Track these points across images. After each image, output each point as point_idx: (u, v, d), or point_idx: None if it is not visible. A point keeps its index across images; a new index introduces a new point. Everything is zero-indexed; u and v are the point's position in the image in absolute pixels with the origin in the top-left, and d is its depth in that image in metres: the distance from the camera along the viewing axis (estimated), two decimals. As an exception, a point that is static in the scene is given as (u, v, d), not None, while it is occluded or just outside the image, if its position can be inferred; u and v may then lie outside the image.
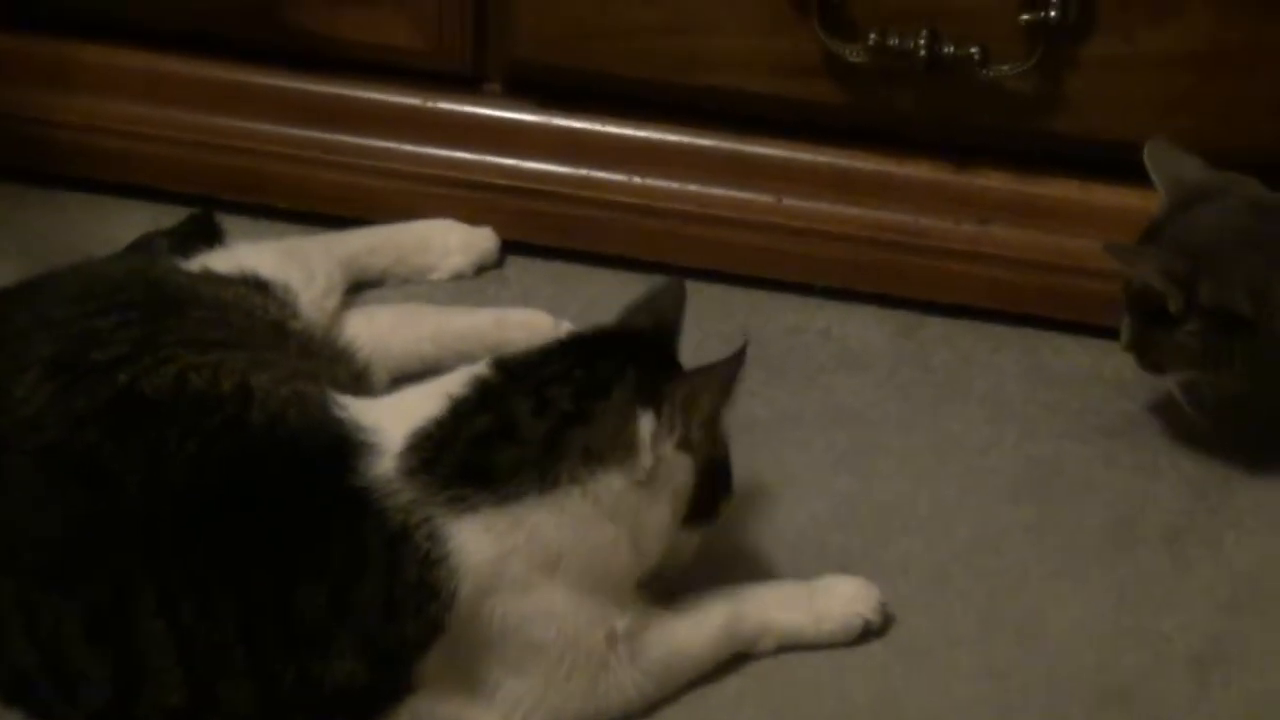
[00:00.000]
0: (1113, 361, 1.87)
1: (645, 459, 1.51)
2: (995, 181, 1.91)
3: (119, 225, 1.95)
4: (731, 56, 1.87)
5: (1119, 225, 1.83)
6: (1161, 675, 1.64)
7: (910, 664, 1.63)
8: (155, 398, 1.51)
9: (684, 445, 1.53)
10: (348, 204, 1.97)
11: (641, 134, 1.94)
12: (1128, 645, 1.66)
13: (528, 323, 1.85)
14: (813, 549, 1.71)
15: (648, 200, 1.95)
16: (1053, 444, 1.84)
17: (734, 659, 1.61)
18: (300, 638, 1.44)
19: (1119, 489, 1.80)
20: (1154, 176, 1.78)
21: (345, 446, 1.49)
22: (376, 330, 1.80)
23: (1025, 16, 1.79)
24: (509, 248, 1.98)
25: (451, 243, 1.96)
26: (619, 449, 1.50)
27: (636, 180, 1.95)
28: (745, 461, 1.62)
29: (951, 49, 1.80)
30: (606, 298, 1.93)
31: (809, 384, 1.88)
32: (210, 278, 1.71)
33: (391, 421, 1.51)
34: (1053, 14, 1.78)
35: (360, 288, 1.91)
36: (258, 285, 1.71)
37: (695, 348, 1.62)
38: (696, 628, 1.59)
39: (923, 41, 1.79)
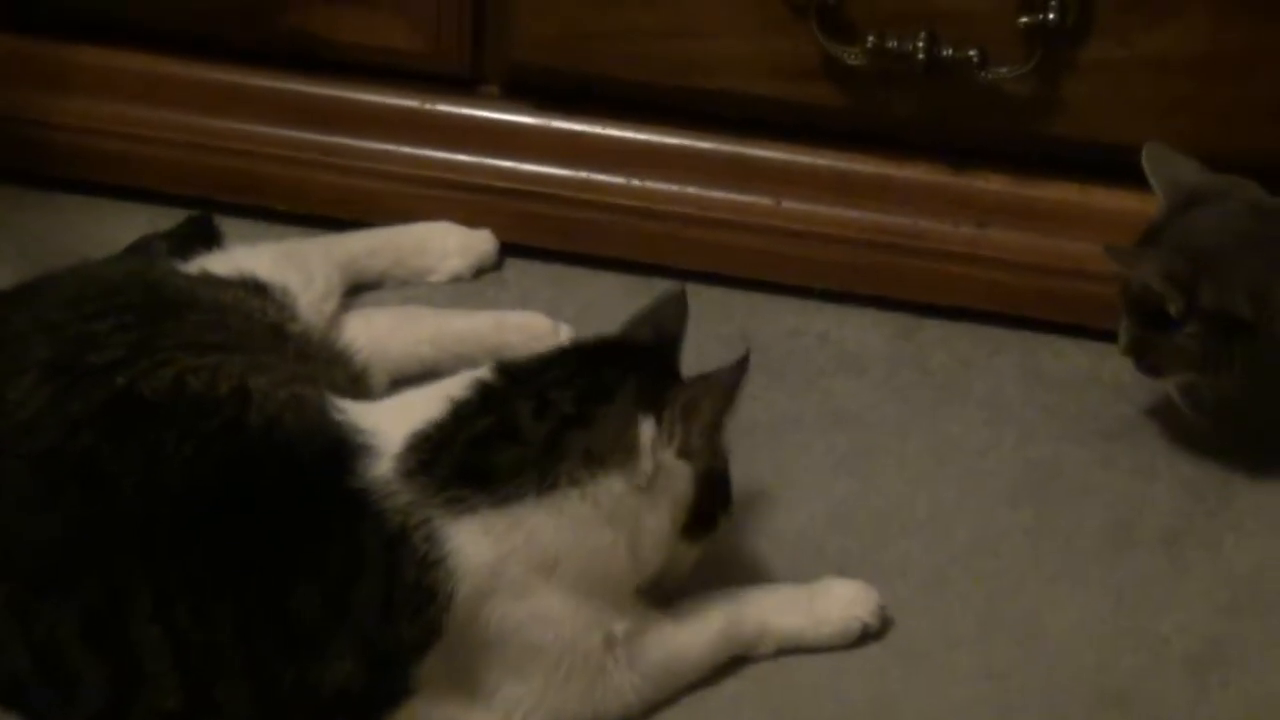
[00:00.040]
0: (1111, 364, 1.87)
1: (645, 464, 1.51)
2: (994, 184, 1.91)
3: (117, 227, 1.94)
4: (730, 59, 1.87)
5: (1117, 228, 1.83)
6: (1160, 677, 1.64)
7: (909, 666, 1.63)
8: (153, 400, 1.51)
9: (684, 453, 1.53)
10: (346, 206, 1.97)
11: (640, 136, 1.94)
12: (1126, 647, 1.66)
13: (526, 325, 1.85)
14: (811, 551, 1.71)
15: (647, 203, 1.95)
16: (1051, 446, 1.84)
17: (732, 661, 1.61)
18: (298, 640, 1.44)
19: (1117, 491, 1.80)
20: (1152, 180, 1.78)
21: (343, 449, 1.49)
22: (375, 333, 1.80)
23: (1024, 19, 1.79)
24: (508, 250, 1.98)
25: (450, 245, 1.96)
26: (619, 453, 1.50)
27: (635, 183, 1.94)
28: (744, 464, 1.63)
29: (950, 51, 1.80)
30: (605, 300, 1.94)
31: (808, 387, 1.88)
32: (208, 280, 1.71)
33: (390, 424, 1.51)
34: (1051, 17, 1.78)
35: (359, 290, 1.90)
36: (256, 288, 1.71)
37: (694, 350, 1.62)
38: (695, 631, 1.59)
39: (921, 44, 1.79)
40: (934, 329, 1.95)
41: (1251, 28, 1.79)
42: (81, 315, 1.58)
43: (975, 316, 1.95)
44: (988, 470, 1.81)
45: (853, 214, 1.93)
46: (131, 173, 1.99)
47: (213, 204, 1.98)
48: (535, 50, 1.90)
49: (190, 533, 1.45)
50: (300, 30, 1.93)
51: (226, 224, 1.97)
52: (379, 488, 1.47)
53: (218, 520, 1.45)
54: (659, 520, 1.53)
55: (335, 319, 1.80)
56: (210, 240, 1.91)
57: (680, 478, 1.53)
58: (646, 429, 1.51)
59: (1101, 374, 1.90)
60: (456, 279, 1.96)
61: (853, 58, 1.82)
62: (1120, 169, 1.83)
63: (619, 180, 1.94)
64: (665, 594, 1.59)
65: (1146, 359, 1.78)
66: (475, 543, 1.46)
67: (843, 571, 1.67)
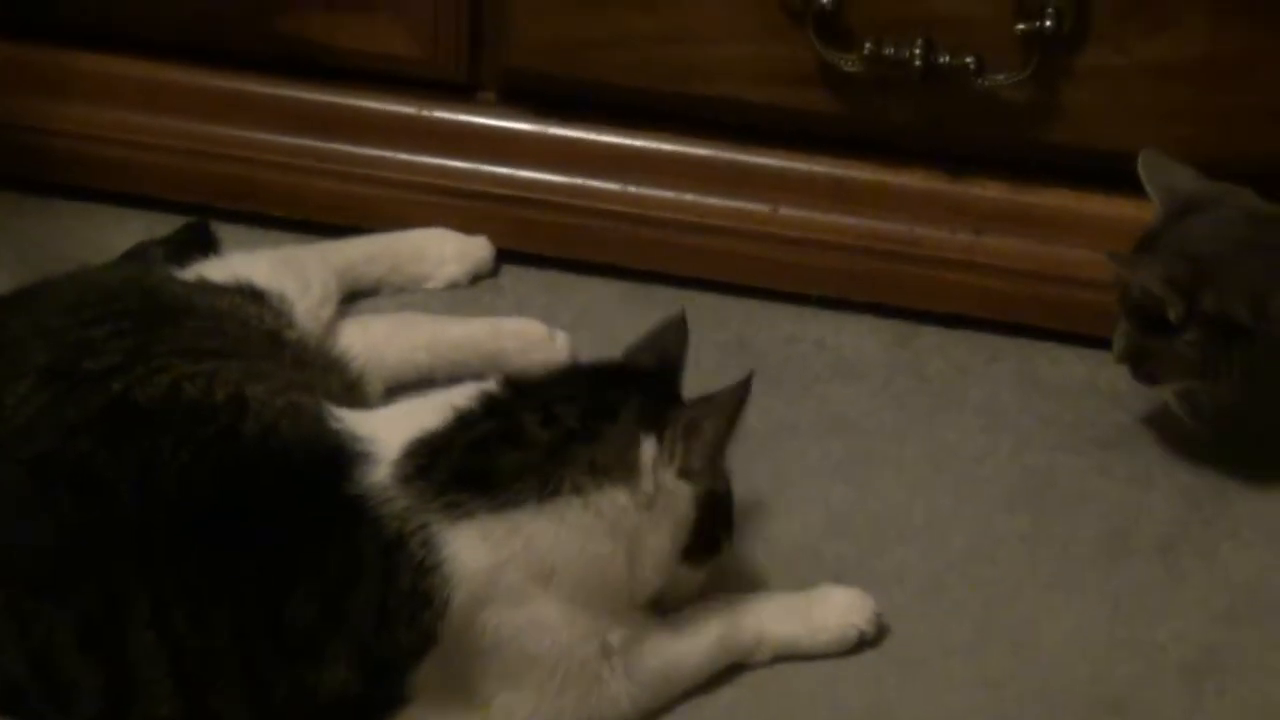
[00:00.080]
0: (1107, 372, 1.87)
1: (646, 483, 1.51)
2: (990, 191, 1.91)
3: (114, 234, 1.95)
4: (727, 66, 1.87)
5: (1114, 235, 1.83)
6: (1156, 685, 1.64)
7: (905, 674, 1.63)
8: (149, 407, 1.51)
9: (684, 473, 1.53)
10: (343, 213, 1.97)
11: (636, 143, 1.94)
12: (1122, 655, 1.66)
13: (522, 332, 1.85)
14: (808, 558, 1.71)
15: (643, 209, 1.95)
16: (1048, 454, 1.84)
17: (729, 669, 1.61)
18: (294, 646, 1.44)
19: (1114, 499, 1.80)
20: (1148, 186, 1.78)
21: (340, 455, 1.49)
22: (371, 339, 1.80)
23: (1021, 26, 1.79)
24: (504, 256, 1.98)
25: (446, 252, 1.96)
26: (622, 469, 1.50)
27: (631, 189, 1.95)
28: (741, 471, 1.63)
29: (947, 58, 1.80)
30: (601, 307, 1.94)
31: (804, 393, 1.88)
32: (205, 287, 1.71)
33: (388, 431, 1.51)
34: (1048, 24, 1.78)
35: (355, 297, 1.90)
36: (253, 294, 1.71)
37: (691, 357, 1.62)
38: (692, 640, 1.59)
39: (918, 51, 1.80)
40: (930, 336, 1.95)
41: (1248, 34, 1.79)
42: (79, 321, 1.58)
43: (972, 324, 1.95)
44: (984, 477, 1.81)
45: (849, 221, 1.93)
46: (130, 179, 1.99)
47: (210, 210, 1.98)
48: (532, 56, 1.90)
49: (186, 539, 1.45)
50: (298, 37, 1.93)
51: (224, 230, 1.97)
52: (376, 493, 1.47)
53: (214, 526, 1.46)
54: (659, 540, 1.53)
55: (332, 326, 1.80)
56: (207, 247, 1.91)
57: (681, 498, 1.53)
58: (648, 448, 1.51)
59: (1098, 382, 1.90)
60: (453, 286, 1.96)
61: (849, 64, 1.82)
62: (1117, 176, 1.83)
63: (615, 187, 1.95)
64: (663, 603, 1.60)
65: (1143, 366, 1.78)
66: (472, 548, 1.46)
67: (839, 578, 1.67)
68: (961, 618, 1.68)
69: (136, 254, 1.88)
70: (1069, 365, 1.92)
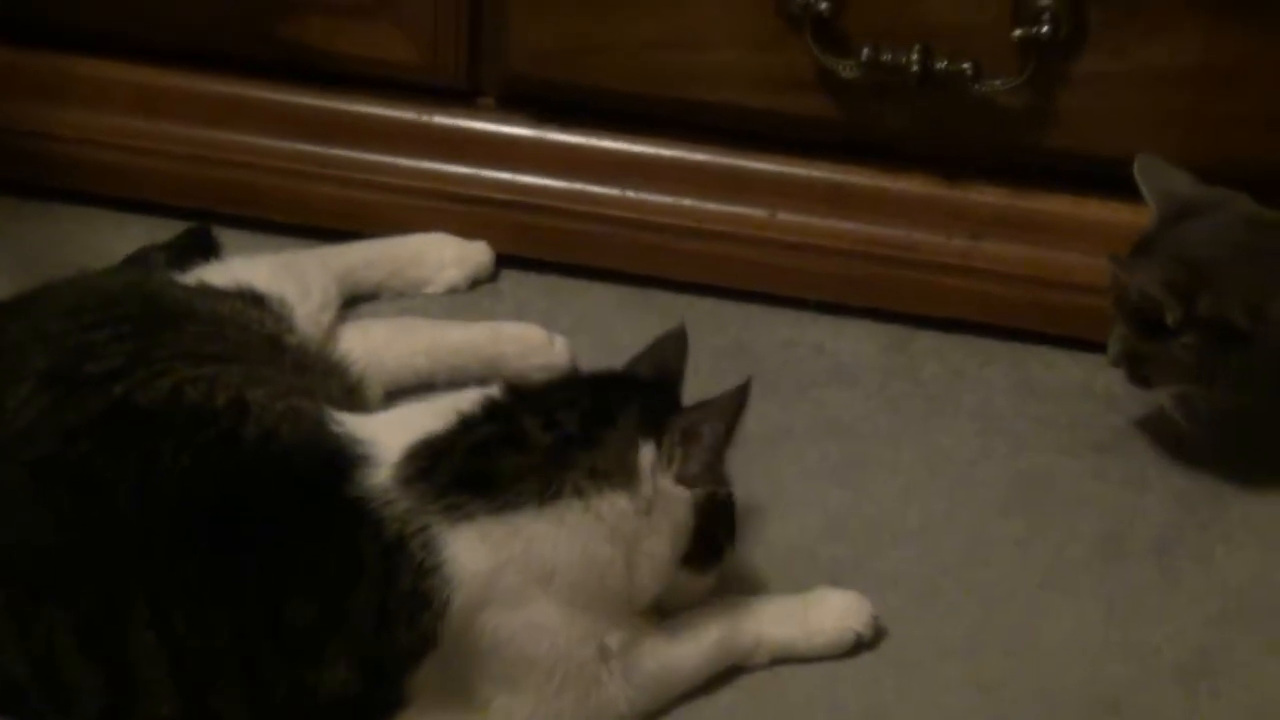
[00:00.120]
0: (1103, 376, 1.87)
1: (645, 488, 1.51)
2: (987, 196, 1.92)
3: (115, 239, 1.95)
4: (725, 71, 1.88)
5: (1111, 240, 1.83)
6: (1151, 687, 1.64)
7: (901, 676, 1.64)
8: (150, 410, 1.51)
9: (683, 479, 1.53)
10: (343, 218, 1.97)
11: (635, 148, 1.94)
12: (1117, 657, 1.67)
13: (522, 337, 1.85)
14: (804, 561, 1.72)
15: (642, 214, 1.95)
16: (1043, 457, 1.84)
17: (726, 671, 1.61)
18: (294, 647, 1.44)
19: (1109, 503, 1.80)
20: (1144, 190, 1.78)
21: (341, 458, 1.50)
22: (371, 344, 1.80)
23: (1017, 32, 1.79)
24: (503, 261, 1.98)
25: (446, 256, 1.96)
26: (621, 474, 1.51)
27: (630, 195, 1.95)
28: (738, 474, 1.62)
29: (944, 64, 1.81)
30: (600, 311, 1.95)
31: (801, 397, 1.88)
32: (206, 291, 1.71)
33: (389, 435, 1.52)
34: (1044, 29, 1.78)
35: (355, 301, 1.91)
36: (253, 299, 1.72)
37: (690, 361, 1.62)
38: (690, 643, 1.59)
39: (915, 57, 1.80)
40: (927, 340, 1.95)
41: (1244, 40, 1.80)
42: (80, 325, 1.59)
43: (968, 328, 1.95)
44: (979, 481, 1.82)
45: (847, 226, 1.93)
46: (130, 184, 1.99)
47: (211, 215, 1.98)
48: (531, 62, 1.91)
49: (187, 540, 1.46)
50: (298, 42, 1.93)
51: (225, 235, 1.97)
52: (377, 495, 1.47)
53: (214, 528, 1.46)
54: (658, 545, 1.53)
55: (332, 330, 1.80)
56: (208, 251, 1.92)
57: (680, 503, 1.54)
58: (647, 453, 1.52)
59: (1093, 385, 1.91)
60: (452, 290, 1.96)
61: (847, 70, 1.82)
62: (1114, 181, 1.83)
63: (614, 192, 1.95)
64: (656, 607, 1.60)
65: (1138, 369, 1.78)
66: (472, 550, 1.47)
67: (835, 581, 1.67)
68: (957, 620, 1.69)
69: (137, 259, 1.89)
70: (1064, 369, 1.93)
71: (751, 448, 1.75)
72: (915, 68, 1.80)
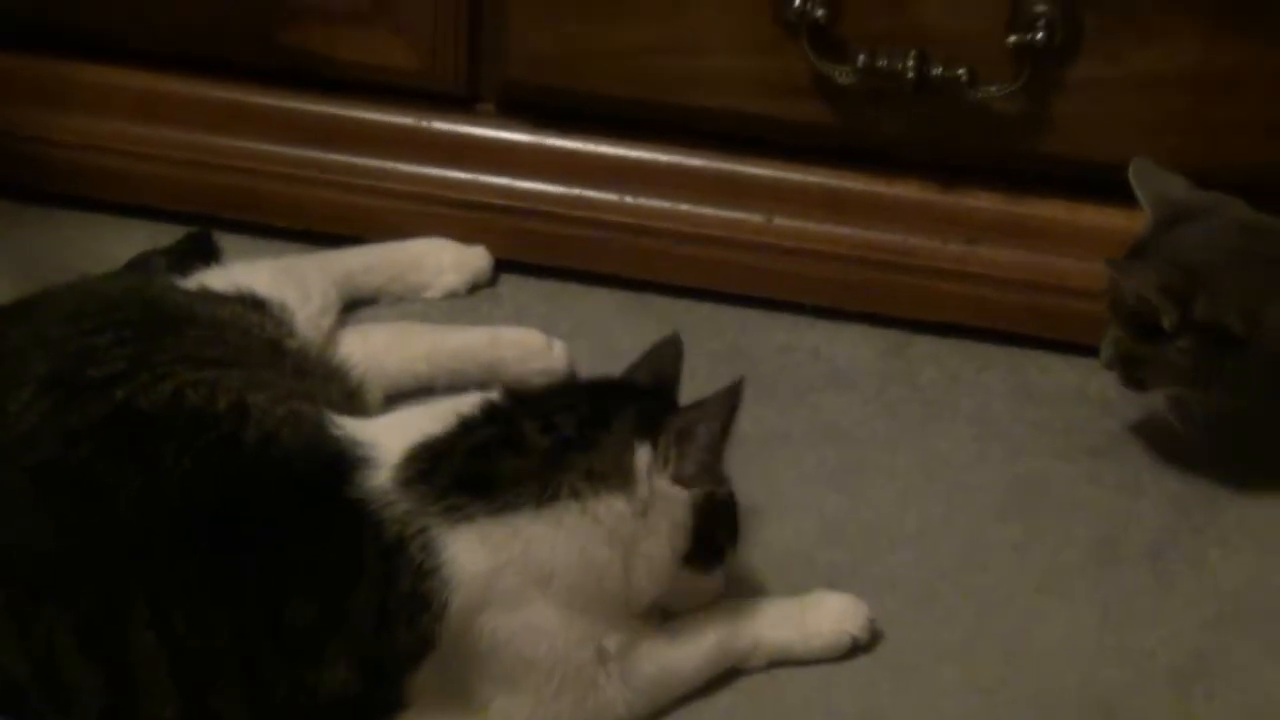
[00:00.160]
0: (1098, 380, 1.88)
1: (641, 489, 1.52)
2: (983, 202, 1.92)
3: (116, 244, 1.95)
4: (722, 77, 1.88)
5: (1106, 245, 1.83)
6: (1145, 691, 1.65)
7: (897, 679, 1.64)
8: (151, 414, 1.51)
9: (679, 479, 1.53)
10: (343, 223, 1.98)
11: (633, 154, 1.95)
12: (1112, 661, 1.67)
13: (521, 341, 1.86)
14: (801, 565, 1.72)
15: (640, 220, 1.95)
16: (1039, 462, 1.84)
17: (724, 674, 1.62)
18: (293, 648, 1.45)
19: (1104, 507, 1.81)
20: (1139, 195, 1.79)
21: (341, 461, 1.50)
22: (371, 348, 1.81)
23: (1012, 38, 1.79)
24: (502, 266, 1.99)
25: (445, 261, 1.96)
26: (618, 476, 1.51)
27: (629, 200, 1.95)
28: (736, 479, 1.62)
29: (940, 70, 1.81)
30: (599, 316, 1.95)
31: (798, 402, 1.89)
32: (207, 296, 1.72)
33: (390, 438, 1.52)
34: (1040, 36, 1.79)
35: (355, 306, 1.91)
36: (254, 304, 1.72)
37: (686, 367, 1.62)
38: (688, 646, 1.60)
39: (911, 63, 1.80)
40: (923, 345, 1.96)
41: (1239, 46, 1.80)
42: (81, 330, 1.59)
43: (964, 333, 1.95)
44: (976, 485, 1.82)
45: (843, 231, 1.94)
46: (131, 190, 1.99)
47: (212, 220, 1.98)
48: (530, 68, 1.91)
49: (187, 542, 1.46)
50: (299, 49, 1.94)
51: (225, 240, 1.97)
52: (377, 497, 1.48)
53: (214, 530, 1.46)
54: (656, 546, 1.53)
55: (332, 335, 1.81)
56: (209, 256, 1.92)
57: (677, 504, 1.54)
58: (643, 455, 1.52)
59: (1089, 390, 1.91)
60: (452, 295, 1.96)
61: (843, 76, 1.83)
62: (1109, 187, 1.83)
63: (612, 197, 1.95)
64: (660, 609, 1.60)
65: (1133, 372, 1.78)
66: (471, 552, 1.47)
67: (832, 585, 1.68)
68: (954, 624, 1.69)
69: (138, 264, 1.89)
70: (1060, 373, 1.93)
71: (749, 452, 1.75)
72: (911, 74, 1.81)
